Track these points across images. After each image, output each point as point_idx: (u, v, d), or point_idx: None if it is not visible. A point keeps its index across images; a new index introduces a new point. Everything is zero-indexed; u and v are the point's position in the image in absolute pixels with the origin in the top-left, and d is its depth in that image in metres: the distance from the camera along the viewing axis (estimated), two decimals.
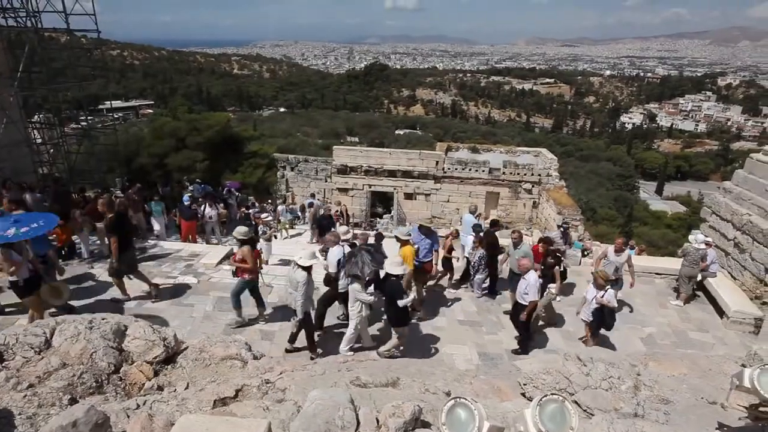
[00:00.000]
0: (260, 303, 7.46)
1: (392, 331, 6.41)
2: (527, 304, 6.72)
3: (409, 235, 7.57)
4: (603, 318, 6.85)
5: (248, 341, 4.44)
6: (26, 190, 11.38)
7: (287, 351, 6.48)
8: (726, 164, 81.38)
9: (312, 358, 5.99)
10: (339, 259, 6.78)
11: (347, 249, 6.98)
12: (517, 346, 7.15)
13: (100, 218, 9.90)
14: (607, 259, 8.20)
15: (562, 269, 8.29)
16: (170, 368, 3.72)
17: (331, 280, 7.01)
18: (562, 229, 9.87)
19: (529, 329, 7.15)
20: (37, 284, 6.10)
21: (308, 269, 6.03)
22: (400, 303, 5.97)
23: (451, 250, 8.98)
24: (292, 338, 6.52)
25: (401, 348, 6.46)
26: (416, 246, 7.69)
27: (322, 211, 14.46)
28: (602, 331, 7.14)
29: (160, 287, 8.06)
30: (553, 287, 7.88)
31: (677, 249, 9.67)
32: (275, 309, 7.80)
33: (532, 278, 6.73)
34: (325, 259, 7.12)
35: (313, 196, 17.63)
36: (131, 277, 8.09)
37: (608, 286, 6.87)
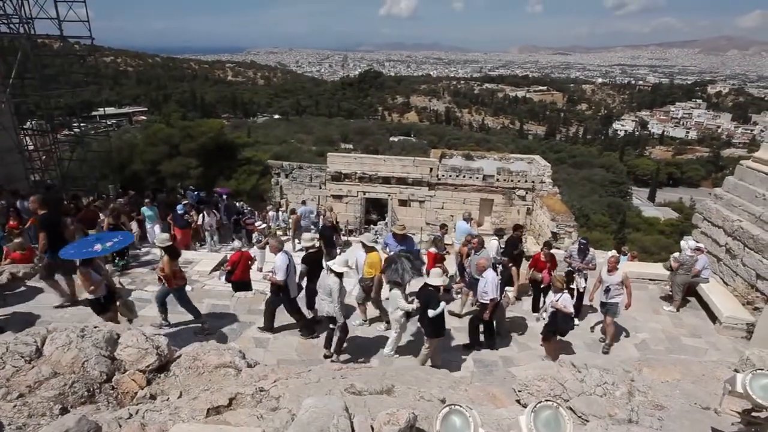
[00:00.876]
0: (193, 312, 7.12)
1: (424, 340, 6.34)
2: (488, 302, 6.81)
3: (376, 241, 7.53)
4: (556, 322, 6.73)
5: (242, 349, 4.42)
6: (18, 196, 11.29)
7: (326, 357, 6.54)
8: (717, 171, 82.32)
9: (333, 361, 6.18)
10: (287, 266, 6.72)
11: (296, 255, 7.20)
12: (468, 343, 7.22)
13: (92, 225, 9.87)
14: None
15: (575, 288, 8.06)
16: (163, 377, 3.68)
17: (279, 287, 6.84)
18: (581, 245, 8.64)
19: (493, 328, 7.21)
20: (114, 301, 6.24)
21: (341, 275, 6.10)
22: (430, 313, 5.93)
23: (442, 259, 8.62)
24: (328, 343, 6.58)
25: (430, 358, 6.33)
26: (392, 254, 7.45)
27: (314, 218, 14.32)
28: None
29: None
30: (510, 290, 7.81)
31: (670, 255, 9.71)
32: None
33: (490, 277, 6.73)
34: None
35: (304, 203, 17.40)
36: (123, 284, 8.01)
37: (565, 290, 6.87)
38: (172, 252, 6.81)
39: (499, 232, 9.92)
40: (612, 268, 7.44)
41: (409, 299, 6.41)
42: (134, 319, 6.62)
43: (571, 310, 6.81)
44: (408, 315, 6.34)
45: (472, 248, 8.21)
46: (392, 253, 7.52)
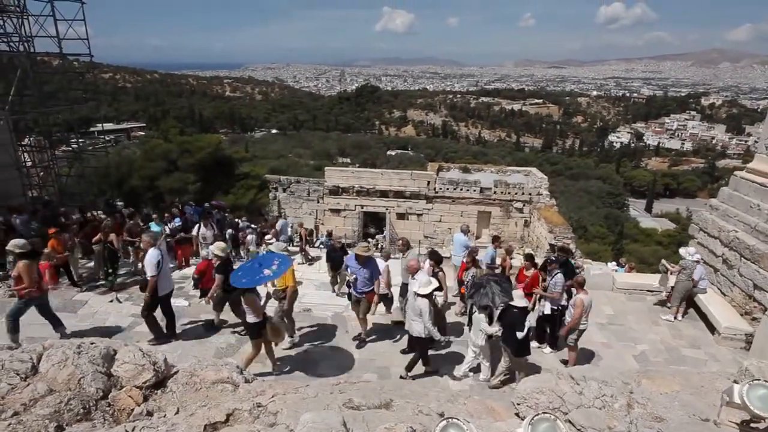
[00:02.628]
0: (55, 323, 6.89)
1: (503, 358, 6.41)
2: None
3: (287, 250, 7.38)
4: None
5: (240, 364, 4.39)
6: (16, 212, 11.28)
7: (427, 372, 6.71)
8: (712, 181, 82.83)
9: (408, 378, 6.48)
10: (158, 261, 6.79)
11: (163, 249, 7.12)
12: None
13: (92, 242, 9.85)
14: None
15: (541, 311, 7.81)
16: (160, 393, 3.65)
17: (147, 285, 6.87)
18: (555, 258, 8.24)
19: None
20: (264, 325, 6.25)
21: (428, 296, 6.20)
22: (519, 335, 6.07)
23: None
24: (426, 361, 6.71)
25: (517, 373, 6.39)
26: (353, 276, 7.42)
27: (291, 232, 14.03)
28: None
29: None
30: (439, 295, 7.73)
31: (662, 260, 9.75)
32: None
33: (422, 277, 6.66)
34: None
35: (284, 217, 17.28)
36: (120, 300, 8.00)
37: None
38: (30, 256, 6.46)
39: (495, 240, 9.96)
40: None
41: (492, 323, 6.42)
42: (281, 341, 6.77)
43: (522, 304, 6.73)
44: (489, 337, 6.40)
45: (470, 262, 8.24)
46: (353, 276, 7.39)
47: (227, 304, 7.73)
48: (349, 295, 7.85)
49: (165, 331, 7.32)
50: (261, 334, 6.13)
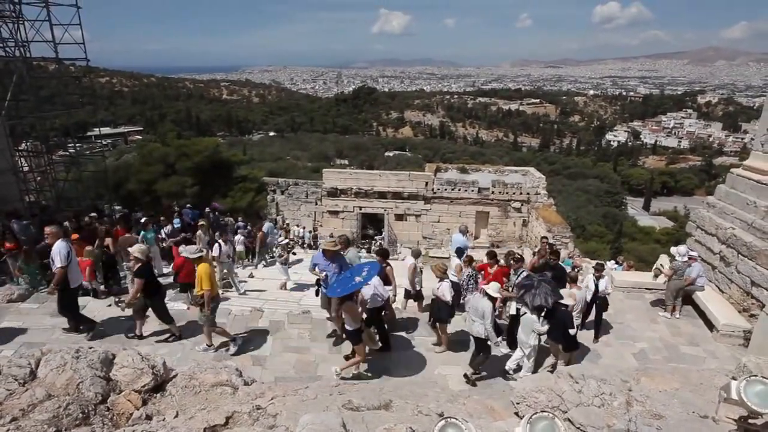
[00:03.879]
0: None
1: (556, 353, 6.77)
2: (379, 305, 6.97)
3: (202, 251, 7.04)
4: (435, 309, 7.07)
5: (239, 367, 4.39)
6: (15, 217, 11.26)
7: (473, 383, 6.61)
8: (710, 179, 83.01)
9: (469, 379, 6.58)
10: (68, 252, 6.86)
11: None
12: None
13: (92, 244, 9.82)
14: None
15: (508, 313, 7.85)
16: (159, 396, 3.65)
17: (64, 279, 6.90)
18: (520, 257, 8.27)
19: (385, 330, 7.28)
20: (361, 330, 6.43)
21: (494, 299, 6.34)
22: (571, 332, 6.49)
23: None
24: (474, 362, 6.73)
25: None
26: (323, 273, 7.33)
27: (277, 236, 13.86)
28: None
29: None
30: (389, 289, 7.82)
31: (656, 262, 9.77)
32: (265, 335, 7.71)
33: (374, 281, 6.69)
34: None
35: (272, 221, 16.89)
36: (119, 304, 7.96)
37: (446, 279, 7.11)
38: None
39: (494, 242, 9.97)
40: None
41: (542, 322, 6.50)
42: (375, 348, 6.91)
43: (448, 298, 7.01)
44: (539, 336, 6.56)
45: (466, 262, 8.24)
46: (323, 273, 7.30)
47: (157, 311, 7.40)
48: (317, 292, 7.98)
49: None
50: (361, 340, 6.35)
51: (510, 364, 6.73)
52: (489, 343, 6.43)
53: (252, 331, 7.84)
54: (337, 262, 7.30)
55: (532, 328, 6.41)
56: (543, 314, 6.41)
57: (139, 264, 6.97)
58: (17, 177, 15.72)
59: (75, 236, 9.24)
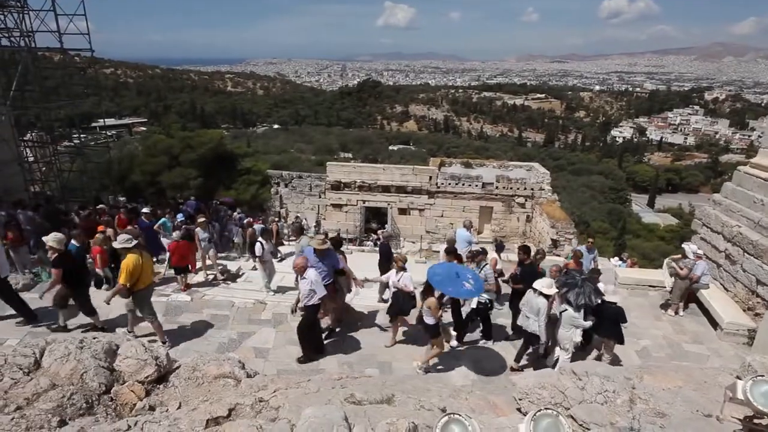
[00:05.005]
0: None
1: (602, 346, 6.83)
2: (318, 303, 6.59)
3: (130, 241, 6.67)
4: (399, 302, 6.98)
5: (242, 359, 4.40)
6: (20, 207, 11.30)
7: (513, 369, 6.83)
8: (715, 176, 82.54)
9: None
10: None
11: None
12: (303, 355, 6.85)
13: (92, 235, 9.85)
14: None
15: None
16: (162, 388, 3.66)
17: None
18: (482, 250, 8.22)
19: (316, 330, 6.98)
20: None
21: (549, 296, 6.38)
22: (624, 326, 6.70)
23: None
24: (519, 358, 6.90)
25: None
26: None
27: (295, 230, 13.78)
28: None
29: None
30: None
31: (665, 261, 9.70)
32: (268, 327, 7.74)
33: (312, 276, 6.47)
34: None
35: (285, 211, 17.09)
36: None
37: (406, 270, 7.09)
38: None
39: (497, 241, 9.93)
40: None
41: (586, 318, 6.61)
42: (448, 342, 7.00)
43: (411, 289, 7.00)
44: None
45: (470, 258, 8.20)
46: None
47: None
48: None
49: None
50: (440, 333, 6.45)
51: (550, 362, 6.81)
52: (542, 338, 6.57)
53: (255, 323, 7.87)
54: (328, 260, 7.23)
55: (574, 324, 6.54)
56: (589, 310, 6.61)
57: (56, 254, 6.60)
58: (22, 167, 15.79)
59: (11, 237, 9.12)
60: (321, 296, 6.55)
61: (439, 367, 6.94)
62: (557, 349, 6.76)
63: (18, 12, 14.84)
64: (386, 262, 9.33)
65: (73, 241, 8.11)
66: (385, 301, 8.40)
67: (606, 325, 6.61)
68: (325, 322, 7.68)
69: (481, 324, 7.75)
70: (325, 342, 7.25)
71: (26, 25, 15.04)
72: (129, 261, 6.34)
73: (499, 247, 9.22)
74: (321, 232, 19.64)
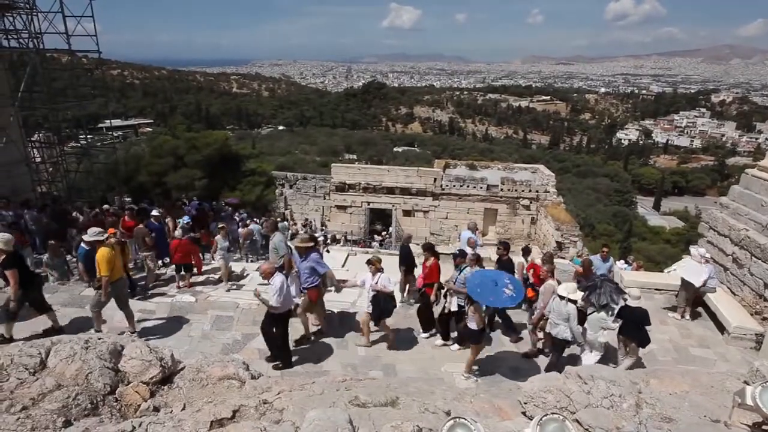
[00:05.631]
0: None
1: (632, 350, 6.81)
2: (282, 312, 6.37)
3: (101, 234, 6.62)
4: (380, 304, 6.88)
5: (246, 360, 4.40)
6: (27, 207, 11.37)
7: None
8: (722, 179, 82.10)
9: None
10: None
11: None
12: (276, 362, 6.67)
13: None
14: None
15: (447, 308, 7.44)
16: (167, 389, 3.67)
17: None
18: (460, 252, 7.75)
19: (286, 338, 6.68)
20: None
21: (576, 301, 6.45)
22: (648, 328, 6.69)
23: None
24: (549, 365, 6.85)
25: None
26: (296, 270, 7.27)
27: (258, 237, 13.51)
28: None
29: None
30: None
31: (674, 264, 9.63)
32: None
33: (277, 282, 6.21)
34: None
35: (255, 222, 15.75)
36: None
37: (382, 271, 6.98)
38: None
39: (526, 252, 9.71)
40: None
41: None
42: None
43: (391, 288, 6.92)
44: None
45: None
46: (296, 270, 7.23)
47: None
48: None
49: None
50: (482, 340, 6.53)
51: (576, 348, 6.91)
52: (571, 344, 6.63)
53: (259, 324, 7.86)
54: (309, 259, 7.06)
55: (601, 326, 6.61)
56: (613, 312, 6.67)
57: (3, 256, 6.22)
58: (30, 168, 15.91)
59: (112, 231, 9.21)
60: (277, 306, 6.16)
61: (443, 369, 6.93)
62: (586, 350, 6.84)
63: (26, 14, 14.97)
64: (406, 264, 9.25)
65: (82, 244, 8.15)
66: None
67: (629, 327, 6.66)
68: (311, 322, 7.56)
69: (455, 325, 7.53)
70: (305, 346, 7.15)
71: (35, 26, 15.17)
72: (103, 252, 6.46)
73: (526, 251, 9.10)
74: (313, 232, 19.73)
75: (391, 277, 7.17)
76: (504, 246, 8.51)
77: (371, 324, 7.31)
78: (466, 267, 7.24)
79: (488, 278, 6.32)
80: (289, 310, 6.58)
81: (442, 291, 7.63)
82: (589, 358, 6.75)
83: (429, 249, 7.94)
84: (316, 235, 12.39)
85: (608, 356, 7.05)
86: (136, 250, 10.14)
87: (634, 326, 6.62)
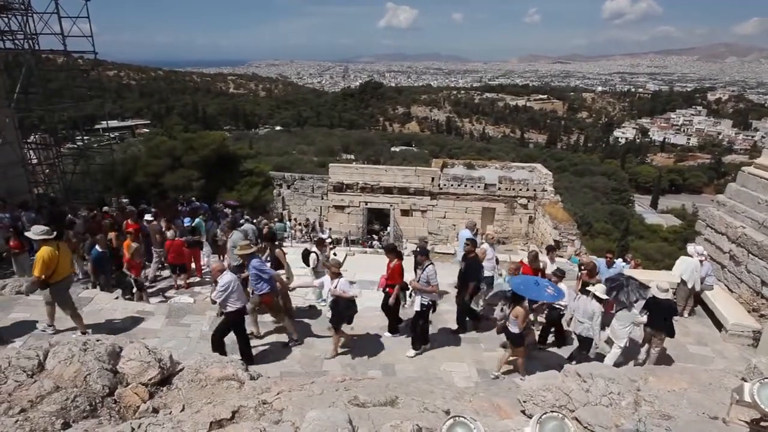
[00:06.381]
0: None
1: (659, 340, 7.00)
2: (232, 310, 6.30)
3: (45, 233, 6.43)
4: (339, 310, 6.65)
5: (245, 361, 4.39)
6: (25, 209, 11.33)
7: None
8: (719, 177, 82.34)
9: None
10: None
11: None
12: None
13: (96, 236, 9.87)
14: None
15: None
16: (166, 390, 3.66)
17: None
18: (421, 250, 7.97)
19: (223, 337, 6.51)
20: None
21: (602, 301, 6.56)
22: (675, 319, 6.94)
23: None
24: (571, 358, 6.92)
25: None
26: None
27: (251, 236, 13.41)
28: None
29: None
30: (282, 272, 7.66)
31: (674, 262, 9.65)
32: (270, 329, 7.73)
33: (224, 280, 6.15)
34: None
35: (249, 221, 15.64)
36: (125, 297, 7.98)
37: (341, 276, 6.74)
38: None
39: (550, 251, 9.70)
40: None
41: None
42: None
43: (352, 294, 6.68)
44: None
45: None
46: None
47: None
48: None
49: None
50: (523, 343, 6.52)
51: (609, 362, 6.86)
52: (594, 342, 6.70)
53: (260, 324, 7.86)
54: (250, 266, 6.84)
55: (632, 321, 6.80)
56: (643, 306, 6.88)
57: None
58: (26, 169, 15.83)
59: (13, 245, 9.16)
60: (224, 305, 6.11)
61: (442, 368, 6.93)
62: (614, 349, 6.93)
63: (22, 15, 14.89)
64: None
65: (96, 247, 8.15)
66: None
67: (657, 318, 6.84)
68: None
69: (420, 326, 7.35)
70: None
71: (30, 27, 15.09)
72: (43, 252, 6.25)
73: (550, 248, 9.09)
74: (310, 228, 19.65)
75: (352, 281, 7.00)
76: (472, 242, 8.31)
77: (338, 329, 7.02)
78: (428, 265, 7.02)
79: (530, 279, 6.81)
80: (240, 310, 6.37)
81: (407, 292, 7.57)
82: (614, 351, 6.89)
83: (392, 250, 7.75)
84: (323, 236, 12.30)
85: (630, 350, 7.20)
86: (149, 248, 10.20)
87: (662, 318, 6.81)
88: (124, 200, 17.88)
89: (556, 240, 16.45)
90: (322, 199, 23.22)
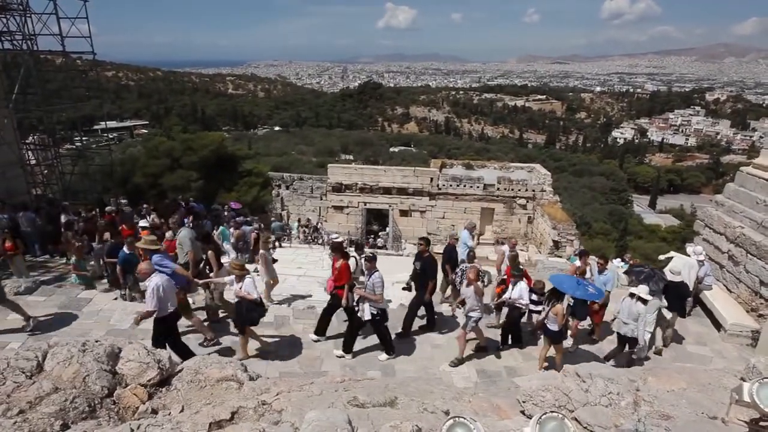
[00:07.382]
0: None
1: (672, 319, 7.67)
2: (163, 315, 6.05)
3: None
4: (242, 311, 6.52)
5: (244, 362, 4.39)
6: (22, 210, 11.30)
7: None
8: (717, 177, 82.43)
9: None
10: None
11: None
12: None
13: (94, 238, 9.87)
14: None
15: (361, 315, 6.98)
16: (165, 391, 3.65)
17: None
18: (372, 255, 7.18)
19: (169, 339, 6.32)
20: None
21: (647, 302, 6.72)
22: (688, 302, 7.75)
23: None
24: (609, 357, 7.24)
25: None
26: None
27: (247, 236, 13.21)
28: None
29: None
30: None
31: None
32: (272, 331, 7.72)
33: (152, 283, 5.89)
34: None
35: (248, 223, 14.50)
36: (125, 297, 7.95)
37: (247, 277, 6.52)
38: None
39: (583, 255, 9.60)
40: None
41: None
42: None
43: (255, 296, 6.48)
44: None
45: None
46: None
47: None
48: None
49: None
50: (562, 340, 6.82)
51: (641, 354, 7.25)
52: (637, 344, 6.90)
53: (261, 324, 7.85)
54: (152, 261, 6.64)
55: (658, 306, 7.35)
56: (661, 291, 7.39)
57: None
58: (24, 170, 15.81)
59: (8, 247, 9.09)
60: (151, 309, 5.80)
61: (441, 368, 6.93)
62: (645, 336, 7.19)
63: (20, 15, 14.88)
64: (449, 263, 8.96)
65: (125, 248, 8.14)
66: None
67: (673, 299, 7.46)
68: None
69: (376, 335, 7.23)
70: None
71: (28, 28, 15.09)
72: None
73: (582, 253, 8.82)
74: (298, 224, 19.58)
75: (256, 283, 6.70)
76: (425, 241, 8.14)
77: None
78: (375, 272, 6.71)
79: (572, 278, 7.17)
80: (172, 312, 6.12)
81: (354, 293, 7.10)
82: (644, 337, 7.12)
83: (337, 249, 7.43)
84: (333, 236, 12.25)
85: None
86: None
87: (677, 298, 7.41)
88: (123, 201, 17.85)
89: (555, 240, 16.47)
90: (321, 199, 23.21)
